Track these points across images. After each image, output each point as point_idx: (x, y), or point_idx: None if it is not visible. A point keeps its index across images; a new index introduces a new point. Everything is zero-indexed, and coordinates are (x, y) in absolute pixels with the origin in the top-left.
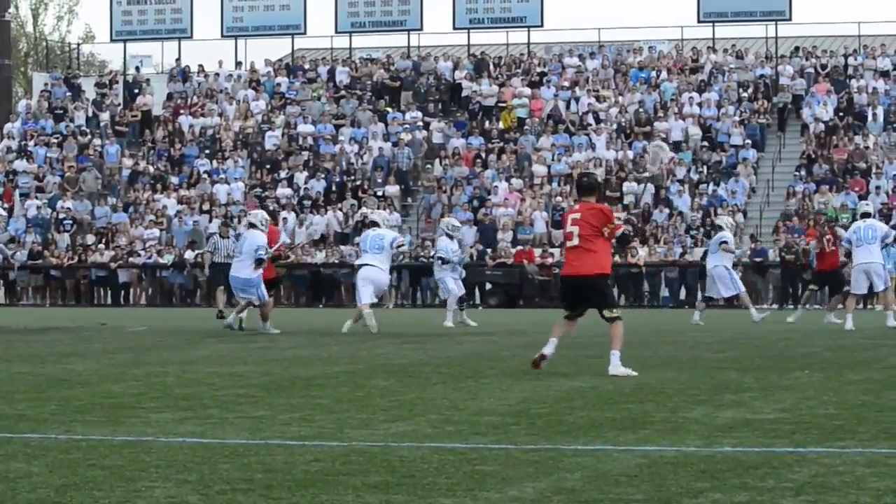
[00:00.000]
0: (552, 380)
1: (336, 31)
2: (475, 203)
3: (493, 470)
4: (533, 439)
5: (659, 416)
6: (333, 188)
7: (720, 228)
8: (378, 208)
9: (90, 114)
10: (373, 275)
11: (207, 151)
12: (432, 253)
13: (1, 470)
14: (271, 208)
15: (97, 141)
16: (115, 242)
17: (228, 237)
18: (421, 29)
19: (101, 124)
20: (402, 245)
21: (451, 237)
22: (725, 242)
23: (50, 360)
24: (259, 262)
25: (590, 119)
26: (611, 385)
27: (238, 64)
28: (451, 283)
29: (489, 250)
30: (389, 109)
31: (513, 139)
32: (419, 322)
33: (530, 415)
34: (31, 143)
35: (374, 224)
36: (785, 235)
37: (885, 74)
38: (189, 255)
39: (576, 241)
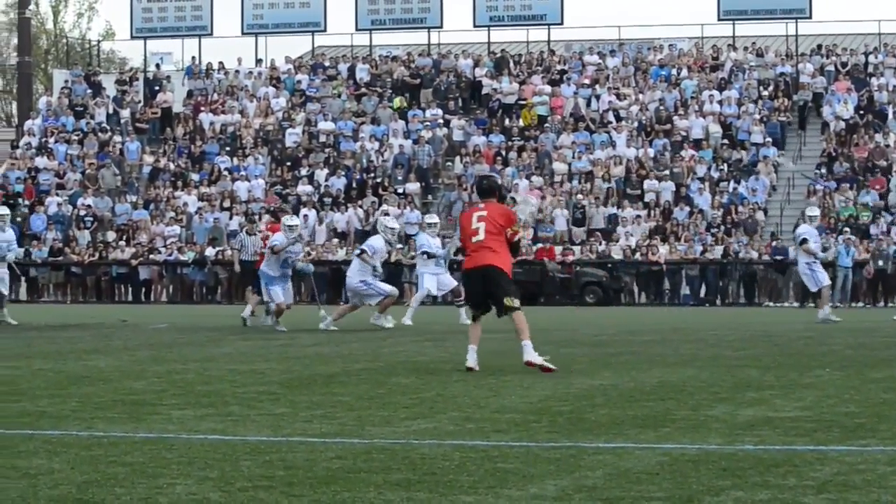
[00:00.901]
0: (573, 378)
1: (356, 29)
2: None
3: (514, 467)
4: (554, 437)
5: (680, 414)
6: (354, 185)
7: (812, 220)
8: (398, 206)
9: (111, 111)
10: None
11: (228, 148)
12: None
13: (23, 466)
14: (291, 205)
15: (118, 138)
16: (136, 239)
17: (254, 234)
18: (441, 26)
19: (122, 121)
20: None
21: (387, 240)
22: (805, 241)
23: (71, 356)
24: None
25: (610, 117)
26: (632, 383)
27: (258, 61)
28: (429, 281)
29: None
30: (403, 106)
31: (533, 137)
32: (439, 320)
33: (551, 412)
34: (52, 139)
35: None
36: None
37: None
38: (210, 251)
39: (482, 237)
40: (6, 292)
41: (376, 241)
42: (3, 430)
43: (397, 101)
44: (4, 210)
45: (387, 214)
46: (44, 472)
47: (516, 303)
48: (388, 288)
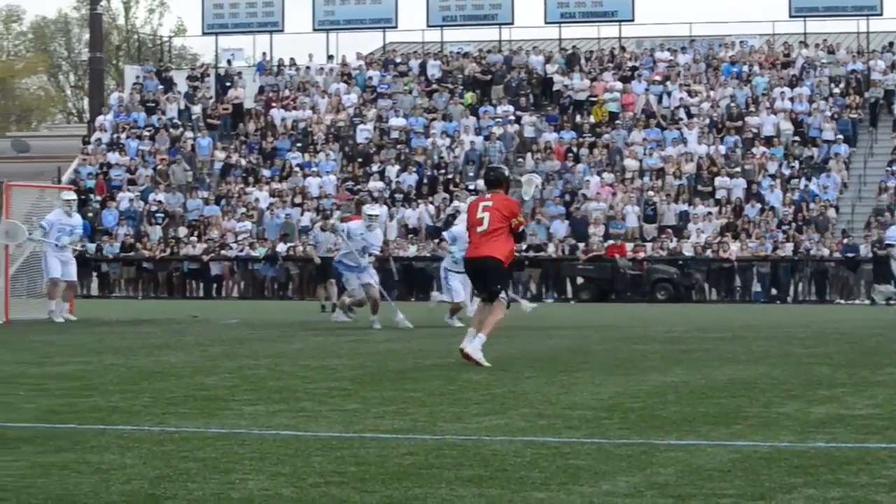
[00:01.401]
0: (644, 374)
1: (427, 25)
2: (567, 197)
3: (586, 464)
4: (625, 434)
5: (752, 411)
6: (425, 182)
7: None
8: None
9: (182, 107)
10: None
11: (299, 144)
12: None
13: (95, 461)
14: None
15: (189, 134)
16: (207, 235)
17: (328, 230)
18: (512, 23)
19: (193, 117)
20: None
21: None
22: (891, 246)
23: (143, 352)
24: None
25: (681, 113)
26: (703, 380)
27: (329, 57)
28: (457, 283)
29: (581, 244)
30: (474, 102)
31: (604, 133)
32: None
33: (623, 409)
34: (124, 135)
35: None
36: (877, 231)
37: None
38: (281, 247)
39: (486, 227)
40: (74, 278)
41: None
42: (76, 425)
43: (468, 97)
44: (71, 195)
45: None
46: (116, 467)
47: (504, 300)
48: (455, 292)
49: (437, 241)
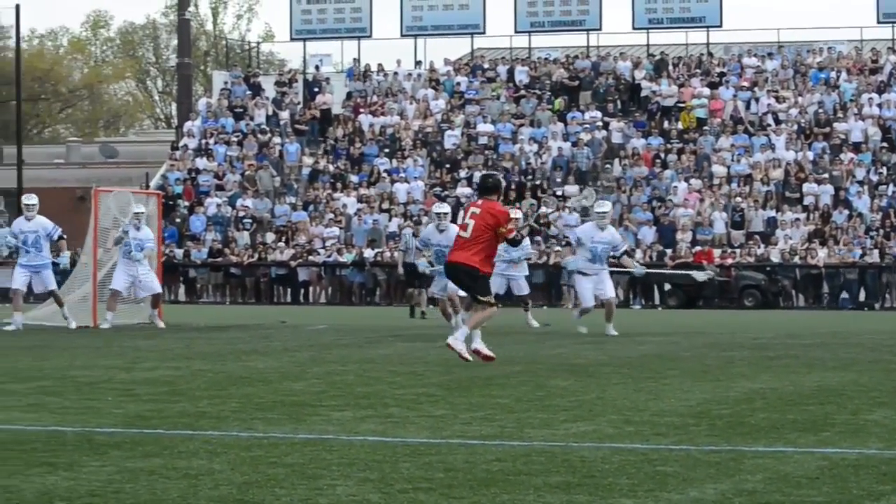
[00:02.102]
0: (733, 381)
1: (515, 31)
2: (654, 203)
3: (673, 471)
4: (713, 440)
5: (840, 419)
6: (512, 187)
7: None
8: (557, 209)
9: (270, 112)
10: None
11: (387, 150)
12: (564, 260)
13: (183, 467)
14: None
15: (277, 139)
16: (295, 241)
17: (419, 236)
18: (600, 29)
19: (281, 123)
20: None
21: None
22: None
23: (230, 357)
24: None
25: (769, 120)
26: (791, 387)
27: (417, 63)
28: (584, 285)
29: (668, 251)
30: (559, 109)
31: (692, 139)
32: (599, 322)
33: (711, 416)
34: (212, 141)
35: None
36: None
37: None
38: (369, 253)
39: (468, 234)
40: (159, 289)
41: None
42: (164, 430)
43: (557, 103)
44: (139, 208)
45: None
46: (204, 472)
47: (490, 300)
48: (583, 295)
49: (564, 245)
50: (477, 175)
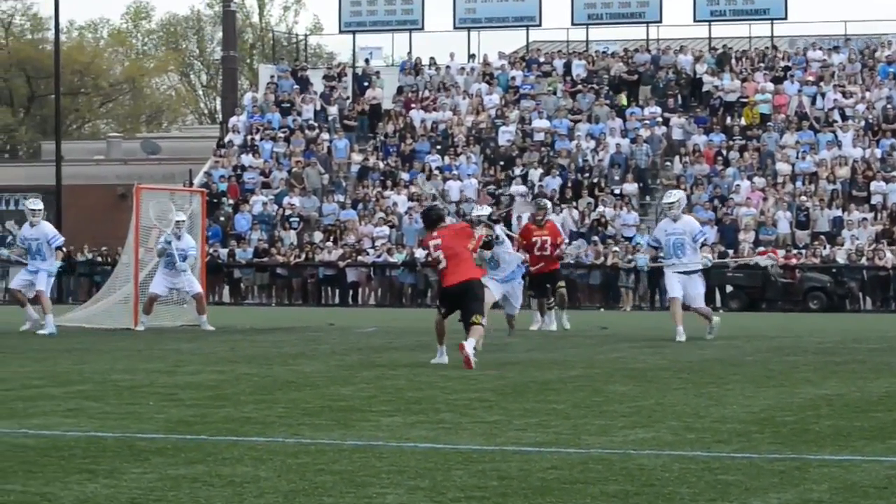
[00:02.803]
0: (797, 387)
1: (572, 23)
2: (716, 202)
3: (736, 479)
4: (777, 448)
5: None
6: (569, 185)
7: None
8: (615, 208)
9: (318, 107)
10: None
11: (439, 147)
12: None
13: (227, 474)
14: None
15: (325, 135)
16: (344, 240)
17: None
18: (660, 21)
19: (330, 118)
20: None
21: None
22: None
23: (277, 361)
24: None
25: (835, 115)
26: (858, 393)
27: (471, 56)
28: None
29: (730, 251)
30: (625, 104)
31: (755, 136)
32: (658, 325)
33: (774, 423)
34: (257, 137)
35: None
36: None
37: None
38: (420, 253)
39: (444, 264)
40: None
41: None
42: (208, 436)
43: (623, 99)
44: (180, 216)
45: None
46: (249, 479)
47: (481, 320)
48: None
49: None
50: (532, 173)
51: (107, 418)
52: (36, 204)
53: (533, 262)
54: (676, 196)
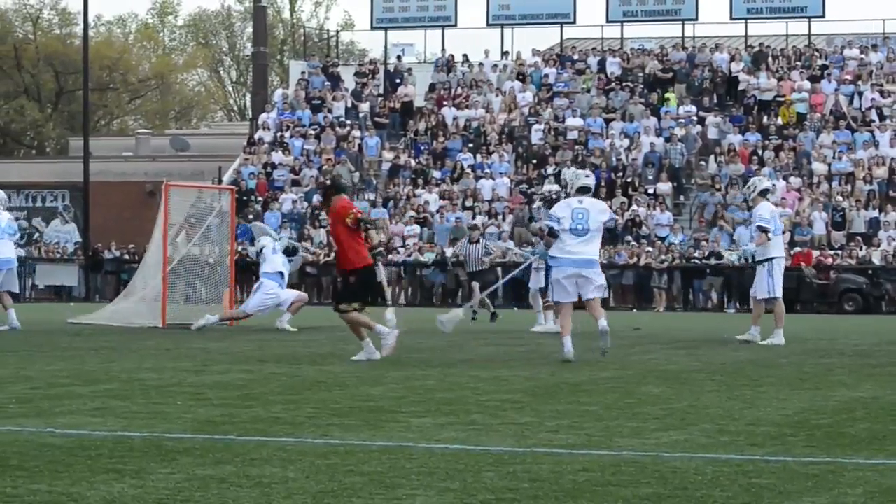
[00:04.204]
0: (832, 389)
1: (607, 21)
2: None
3: (769, 483)
4: (812, 451)
5: None
6: (602, 185)
7: None
8: (649, 207)
9: (349, 104)
10: None
11: (471, 145)
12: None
13: (255, 475)
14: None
15: (356, 133)
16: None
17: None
18: (696, 19)
19: (361, 115)
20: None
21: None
22: None
23: (306, 361)
24: None
25: (873, 115)
26: (894, 396)
27: (504, 54)
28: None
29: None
30: (669, 99)
31: (791, 135)
32: (691, 326)
33: (809, 426)
34: (288, 134)
35: None
36: None
37: None
38: (450, 252)
39: (335, 245)
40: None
41: None
42: (236, 436)
43: (672, 98)
44: (265, 241)
45: None
46: (277, 480)
47: (347, 308)
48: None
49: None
50: (565, 172)
51: (134, 418)
52: None
53: None
54: (764, 183)
